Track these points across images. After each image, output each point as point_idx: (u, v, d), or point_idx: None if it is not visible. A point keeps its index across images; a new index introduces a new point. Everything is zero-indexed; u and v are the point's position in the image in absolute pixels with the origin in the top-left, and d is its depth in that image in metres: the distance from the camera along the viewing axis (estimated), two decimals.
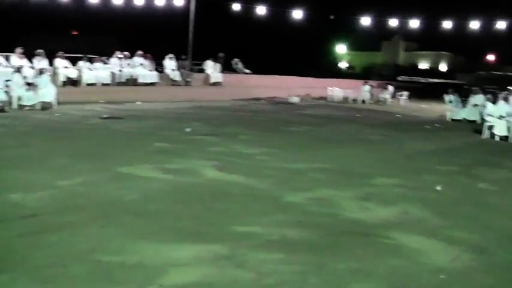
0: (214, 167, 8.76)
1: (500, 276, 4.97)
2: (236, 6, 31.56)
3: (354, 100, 28.32)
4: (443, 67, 74.46)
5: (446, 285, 4.66)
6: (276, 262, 4.84)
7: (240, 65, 28.47)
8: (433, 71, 65.25)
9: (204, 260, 4.77)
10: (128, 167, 8.35)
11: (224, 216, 6.17)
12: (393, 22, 34.14)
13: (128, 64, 22.61)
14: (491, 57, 54.72)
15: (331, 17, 38.28)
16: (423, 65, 75.89)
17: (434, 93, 34.16)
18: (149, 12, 32.05)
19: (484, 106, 19.48)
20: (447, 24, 31.31)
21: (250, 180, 8.05)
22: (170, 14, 31.58)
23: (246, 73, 28.17)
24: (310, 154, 10.84)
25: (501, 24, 29.67)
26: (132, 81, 22.24)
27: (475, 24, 30.07)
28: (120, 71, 21.94)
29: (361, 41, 64.93)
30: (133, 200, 6.62)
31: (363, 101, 28.53)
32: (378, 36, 63.99)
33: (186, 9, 28.43)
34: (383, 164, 10.33)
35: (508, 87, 19.70)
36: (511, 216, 7.13)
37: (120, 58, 22.43)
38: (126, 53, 22.91)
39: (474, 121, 20.41)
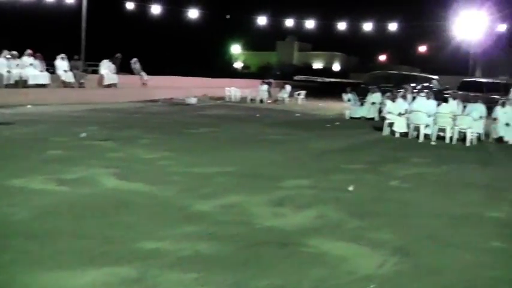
0: (115, 175, 8.04)
1: (429, 280, 4.73)
2: (130, 5, 30.48)
3: (252, 100, 28.28)
4: (336, 67, 76.71)
5: None
6: (191, 283, 4.31)
7: (138, 66, 27.42)
8: (327, 71, 66.99)
9: (110, 287, 4.16)
10: (17, 180, 7.41)
11: (130, 231, 5.52)
12: (288, 22, 34.46)
13: (17, 65, 20.95)
14: (383, 57, 56.97)
15: (227, 16, 38.03)
16: (317, 64, 77.84)
17: (330, 92, 34.95)
18: (38, 8, 30.16)
19: (382, 104, 20.00)
20: (341, 26, 32.04)
21: (154, 188, 7.42)
22: (61, 10, 29.91)
23: (142, 76, 27.21)
24: (214, 157, 10.37)
25: (393, 26, 30.81)
26: (22, 83, 20.68)
27: (368, 26, 30.99)
28: (8, 72, 20.26)
29: (256, 41, 65.54)
30: (23, 219, 5.75)
31: (261, 101, 28.58)
32: (273, 37, 64.82)
33: (78, 5, 27.05)
34: (290, 165, 10.08)
35: (405, 86, 20.25)
36: (427, 214, 6.98)
37: (8, 58, 20.69)
38: (14, 52, 21.19)
39: (372, 118, 20.90)
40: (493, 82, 27.61)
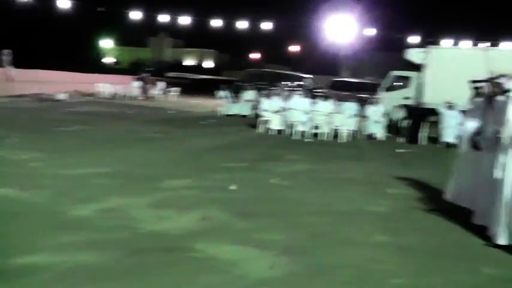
0: None
1: (323, 279, 4.65)
2: None
3: (124, 96, 27.45)
4: (208, 64, 76.81)
5: None
6: None
7: (9, 58, 25.29)
8: (199, 68, 66.90)
9: None
10: None
11: (0, 243, 4.94)
12: (162, 18, 33.73)
13: None
14: (255, 55, 57.82)
15: (100, 9, 36.56)
16: (189, 61, 77.55)
17: (203, 89, 34.82)
18: None
19: (256, 101, 20.14)
20: (214, 23, 31.91)
21: (25, 193, 6.71)
22: None
23: (9, 69, 25.25)
24: (89, 157, 9.74)
25: (266, 25, 31.25)
26: None
27: (241, 24, 31.17)
28: None
29: (128, 36, 63.86)
30: None
31: (134, 97, 27.83)
32: (146, 32, 63.50)
33: None
34: (169, 164, 9.71)
35: (279, 84, 20.59)
36: (312, 211, 6.95)
37: None
38: None
39: (246, 116, 21.01)
40: (361, 82, 28.96)
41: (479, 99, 7.40)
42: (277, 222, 6.32)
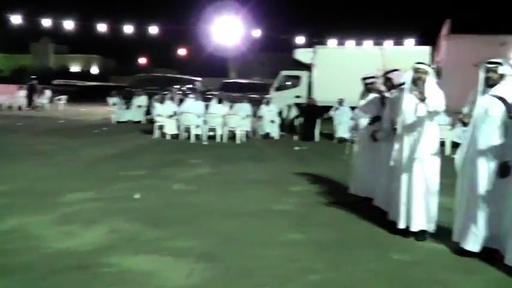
0: None
1: (242, 282, 4.64)
2: None
3: (10, 107, 26.06)
4: (94, 70, 74.51)
5: None
6: None
7: None
8: (86, 74, 64.67)
9: None
10: None
11: None
12: (44, 22, 32.16)
13: None
14: (143, 60, 56.78)
15: None
16: (74, 68, 74.85)
17: (91, 96, 33.80)
18: None
19: (148, 107, 19.87)
20: (99, 27, 30.98)
21: None
22: None
23: None
24: None
25: (153, 29, 30.77)
26: None
27: (128, 28, 30.47)
28: None
29: (9, 42, 60.40)
30: None
31: (19, 107, 26.50)
32: (27, 38, 60.42)
33: None
34: (67, 177, 9.29)
35: (170, 88, 20.38)
36: (221, 215, 6.94)
37: None
38: None
39: (139, 122, 20.65)
40: (251, 83, 29.40)
41: (373, 94, 7.77)
42: (187, 229, 6.25)
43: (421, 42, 26.15)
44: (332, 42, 26.42)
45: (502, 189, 5.27)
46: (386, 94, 7.16)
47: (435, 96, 5.90)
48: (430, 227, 6.07)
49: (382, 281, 4.84)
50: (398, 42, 25.67)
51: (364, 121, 7.89)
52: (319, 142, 16.74)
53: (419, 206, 6.01)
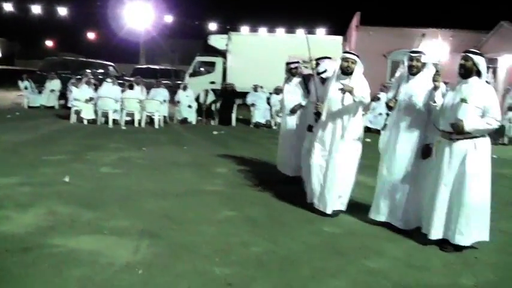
0: None
1: (187, 255, 4.87)
2: None
3: None
4: None
5: (147, 278, 4.32)
6: None
7: None
8: None
9: None
10: None
11: None
12: None
13: None
14: (50, 43, 54.53)
15: None
16: None
17: None
18: None
19: (61, 91, 19.42)
20: (6, 7, 29.57)
21: None
22: None
23: None
24: None
25: (62, 11, 29.78)
26: None
27: (36, 9, 29.30)
28: None
29: None
30: None
31: None
32: None
33: None
34: None
35: (84, 72, 19.93)
36: (152, 195, 7.13)
37: None
38: None
39: (53, 107, 20.13)
40: (164, 69, 29.25)
41: (297, 79, 8.17)
42: (123, 209, 6.38)
43: (331, 32, 27.13)
44: (245, 29, 26.76)
45: (422, 169, 5.82)
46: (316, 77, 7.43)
47: (362, 87, 6.31)
48: (343, 206, 6.54)
49: (318, 250, 5.28)
50: (310, 32, 26.40)
51: (290, 104, 8.23)
52: (236, 127, 17.08)
53: (335, 188, 6.42)
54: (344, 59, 6.36)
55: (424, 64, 5.95)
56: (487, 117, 5.27)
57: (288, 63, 8.39)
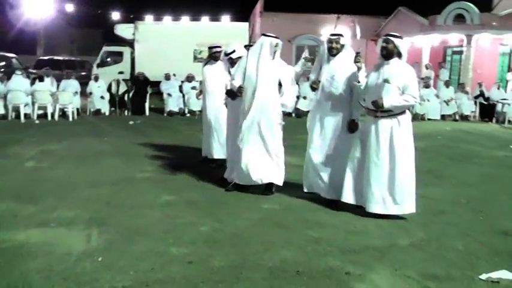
0: None
1: (140, 239, 4.99)
2: None
3: None
4: None
5: (108, 263, 4.41)
6: None
7: None
8: None
9: None
10: None
11: None
12: None
13: None
14: None
15: None
16: None
17: None
18: None
19: None
20: None
21: None
22: None
23: None
24: None
25: None
26: None
27: None
28: None
29: None
30: None
31: None
32: None
33: None
34: None
35: None
36: (88, 185, 7.16)
37: None
38: None
39: None
40: (69, 60, 28.43)
41: (221, 63, 8.37)
42: (63, 201, 6.36)
43: (235, 19, 27.42)
44: (149, 18, 26.44)
45: (348, 143, 6.22)
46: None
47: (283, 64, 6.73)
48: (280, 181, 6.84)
49: (262, 226, 5.60)
50: (215, 19, 26.55)
51: (213, 88, 8.38)
52: (150, 116, 16.99)
53: (270, 163, 6.73)
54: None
55: (342, 46, 6.36)
56: (405, 94, 5.74)
57: (210, 47, 8.60)
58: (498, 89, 18.07)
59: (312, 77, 6.58)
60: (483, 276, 4.32)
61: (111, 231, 5.28)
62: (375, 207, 5.86)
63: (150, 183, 7.41)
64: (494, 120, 17.18)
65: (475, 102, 17.95)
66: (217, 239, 5.14)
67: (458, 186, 7.82)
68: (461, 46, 22.30)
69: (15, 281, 4.08)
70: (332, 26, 28.08)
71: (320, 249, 4.93)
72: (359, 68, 5.97)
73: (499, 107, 17.10)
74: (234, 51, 7.59)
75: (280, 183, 6.82)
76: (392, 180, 5.80)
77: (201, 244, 4.97)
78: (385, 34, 6.04)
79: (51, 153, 9.67)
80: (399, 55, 5.86)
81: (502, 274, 4.35)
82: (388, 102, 5.68)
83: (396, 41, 5.82)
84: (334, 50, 6.33)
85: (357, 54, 6.04)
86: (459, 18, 22.08)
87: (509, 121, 16.68)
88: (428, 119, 17.23)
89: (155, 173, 8.11)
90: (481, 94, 17.95)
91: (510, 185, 8.00)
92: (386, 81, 5.74)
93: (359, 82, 5.97)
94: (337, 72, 6.28)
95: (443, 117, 17.58)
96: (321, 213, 6.07)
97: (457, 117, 17.71)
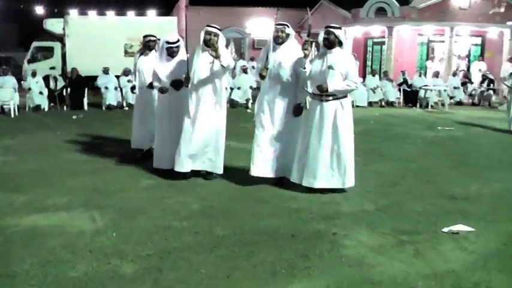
0: None
1: (142, 217, 5.49)
2: None
3: None
4: None
5: (124, 238, 4.89)
6: None
7: None
8: None
9: None
10: None
11: None
12: None
13: None
14: None
15: None
16: None
17: None
18: None
19: None
20: None
21: None
22: None
23: None
24: None
25: None
26: None
27: None
28: None
29: None
30: None
31: None
32: None
33: None
34: None
35: None
36: (66, 175, 7.55)
37: None
38: None
39: None
40: None
41: (154, 53, 8.40)
42: (50, 189, 6.75)
43: (161, 13, 27.71)
44: (74, 12, 26.10)
45: (295, 125, 6.81)
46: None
47: (227, 54, 7.13)
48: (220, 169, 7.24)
49: (243, 200, 6.32)
50: (141, 14, 26.63)
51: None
52: (90, 111, 17.02)
53: (209, 151, 7.12)
54: (207, 32, 6.90)
55: (288, 35, 6.85)
56: (347, 80, 6.48)
57: (145, 36, 8.59)
58: (420, 76, 19.47)
59: (259, 65, 7.03)
60: (445, 229, 5.21)
61: (111, 212, 5.75)
62: (320, 183, 6.48)
63: (123, 170, 7.84)
64: (418, 105, 18.50)
65: (399, 89, 19.23)
66: (211, 213, 5.74)
67: (401, 162, 8.77)
68: (383, 37, 23.67)
69: (45, 257, 4.51)
70: (257, 19, 28.90)
71: (303, 216, 5.65)
72: (306, 55, 6.51)
73: (421, 93, 18.44)
74: (178, 40, 7.59)
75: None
76: (336, 157, 6.46)
77: (198, 218, 5.56)
78: (326, 26, 6.62)
79: (10, 148, 9.82)
80: (340, 44, 6.54)
81: (460, 227, 5.25)
82: (332, 86, 6.35)
83: (337, 32, 6.51)
84: (279, 39, 6.82)
85: (305, 42, 6.55)
86: (380, 11, 23.41)
87: (431, 106, 18.04)
88: (357, 106, 18.29)
89: (123, 161, 8.47)
90: (405, 81, 19.27)
91: (445, 160, 9.03)
92: (330, 67, 6.37)
93: (304, 68, 6.51)
94: (284, 59, 6.76)
95: (370, 104, 18.75)
96: (290, 189, 6.71)
97: (383, 103, 18.92)
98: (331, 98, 6.43)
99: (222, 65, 6.83)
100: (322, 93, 6.40)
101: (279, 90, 6.83)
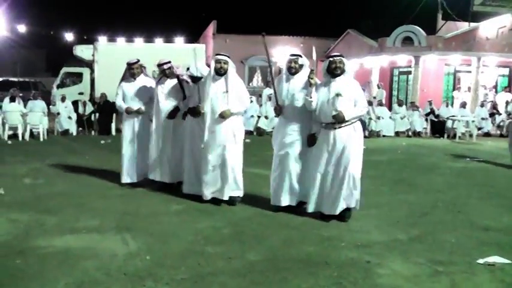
0: None
1: (174, 242, 5.55)
2: None
3: None
4: None
5: (157, 261, 4.94)
6: None
7: None
8: None
9: None
10: None
11: None
12: None
13: None
14: None
15: None
16: None
17: None
18: None
19: None
20: None
21: None
22: None
23: None
24: None
25: None
26: None
27: None
28: None
29: None
30: None
31: None
32: None
33: None
34: None
35: None
36: (96, 196, 7.65)
37: None
38: None
39: None
40: (23, 81, 28.28)
41: (171, 80, 8.26)
42: (81, 211, 6.80)
43: (188, 40, 28.08)
44: (102, 39, 26.61)
45: (308, 154, 6.78)
46: (186, 78, 7.89)
47: (241, 88, 7.29)
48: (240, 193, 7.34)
49: (274, 227, 6.29)
50: (168, 40, 27.06)
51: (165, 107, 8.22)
52: (118, 136, 17.15)
53: (230, 179, 7.16)
54: (216, 61, 7.07)
55: (301, 65, 6.90)
56: (358, 106, 6.51)
57: (160, 65, 8.31)
58: (447, 106, 19.37)
59: (274, 101, 7.03)
60: (480, 261, 5.11)
61: (142, 236, 5.78)
62: (340, 208, 6.46)
63: (153, 195, 7.90)
64: (445, 136, 18.38)
65: (426, 119, 19.14)
66: (242, 239, 5.74)
67: (431, 192, 8.66)
68: (409, 67, 23.68)
69: (79, 278, 4.54)
70: (283, 48, 29.11)
71: (335, 244, 5.61)
72: (311, 84, 6.57)
73: (449, 123, 18.33)
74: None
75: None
76: (347, 178, 6.39)
77: (230, 243, 5.56)
78: (330, 55, 6.65)
79: (42, 171, 9.97)
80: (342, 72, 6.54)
81: (496, 259, 5.15)
82: (349, 115, 6.39)
83: (343, 60, 6.56)
84: (293, 69, 6.89)
85: (311, 71, 6.69)
86: (406, 41, 23.46)
87: (459, 136, 17.90)
88: (384, 136, 18.26)
89: (152, 185, 8.51)
90: (432, 111, 19.18)
91: (475, 191, 8.90)
92: (338, 95, 6.40)
93: (310, 98, 6.54)
94: (297, 89, 6.81)
95: (397, 133, 18.69)
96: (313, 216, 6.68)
97: (410, 133, 18.84)
98: (344, 124, 6.44)
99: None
100: (338, 122, 6.39)
101: (293, 120, 6.85)
